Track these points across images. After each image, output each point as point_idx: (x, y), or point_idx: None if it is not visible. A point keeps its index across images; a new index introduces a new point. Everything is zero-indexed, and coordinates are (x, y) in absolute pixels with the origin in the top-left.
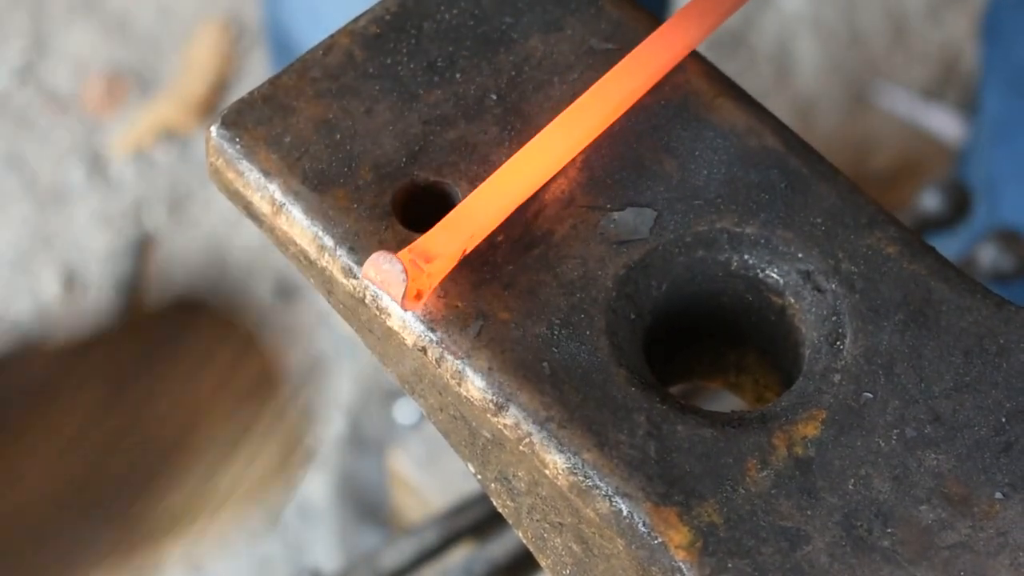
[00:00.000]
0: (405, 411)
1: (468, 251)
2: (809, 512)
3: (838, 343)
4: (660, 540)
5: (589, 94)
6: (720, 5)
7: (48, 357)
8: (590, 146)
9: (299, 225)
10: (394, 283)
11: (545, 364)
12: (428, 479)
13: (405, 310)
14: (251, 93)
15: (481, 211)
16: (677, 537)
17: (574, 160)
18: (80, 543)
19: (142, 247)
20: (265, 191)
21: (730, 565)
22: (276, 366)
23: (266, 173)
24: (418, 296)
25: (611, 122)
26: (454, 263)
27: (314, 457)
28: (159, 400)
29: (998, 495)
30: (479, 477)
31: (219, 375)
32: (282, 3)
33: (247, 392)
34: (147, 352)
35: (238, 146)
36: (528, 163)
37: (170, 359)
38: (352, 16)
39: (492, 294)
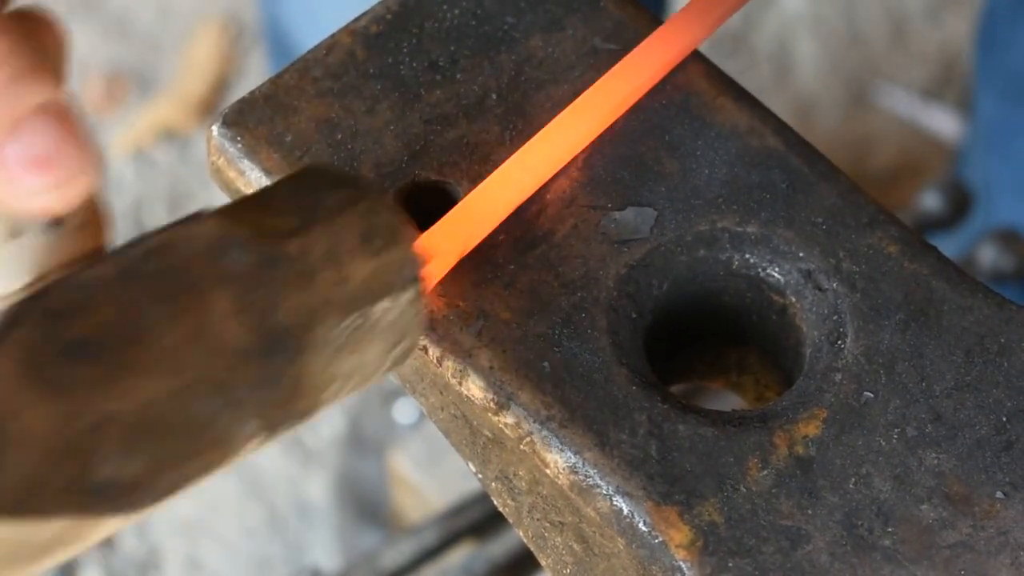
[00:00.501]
0: (405, 411)
1: (467, 251)
2: (810, 511)
3: (839, 342)
4: (661, 539)
5: (590, 93)
6: (721, 5)
7: (208, 224)
8: (591, 145)
9: None
10: None
11: (546, 363)
12: (428, 479)
13: None
14: (252, 92)
15: (480, 211)
16: (678, 536)
17: (575, 160)
18: (254, 403)
19: None
20: None
21: (731, 564)
22: (404, 236)
23: (268, 172)
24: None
25: (612, 121)
26: (452, 263)
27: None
28: (304, 268)
29: (999, 494)
30: (480, 476)
31: (355, 247)
32: (280, 4)
33: (381, 257)
34: (287, 228)
35: (239, 145)
36: (528, 163)
37: (308, 231)
38: (350, 17)
39: (493, 293)
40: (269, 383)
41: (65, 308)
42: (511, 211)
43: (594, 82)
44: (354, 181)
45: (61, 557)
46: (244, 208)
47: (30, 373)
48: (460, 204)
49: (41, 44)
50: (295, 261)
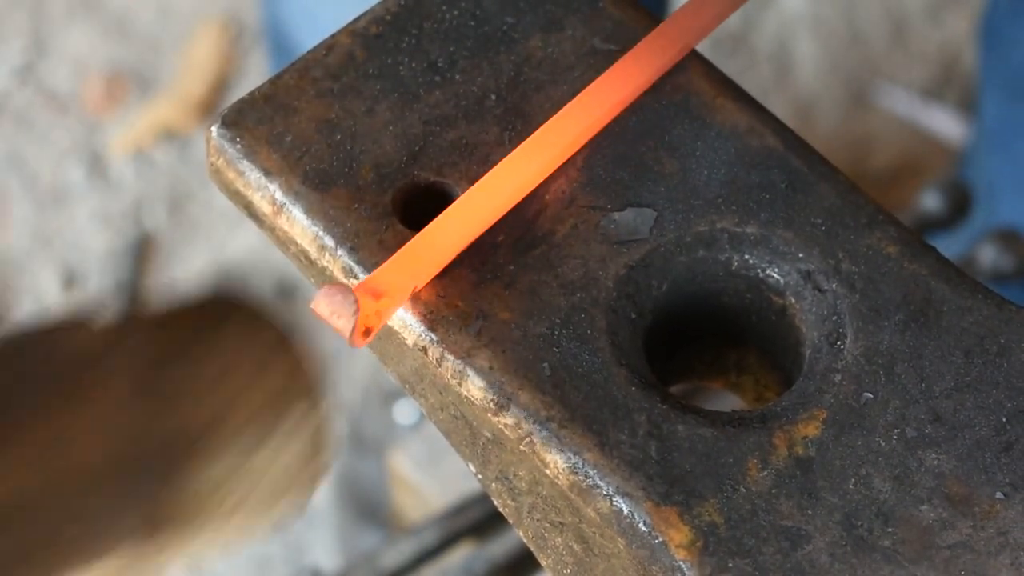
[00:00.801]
0: (405, 411)
1: (419, 288)
2: (810, 512)
3: (839, 343)
4: (661, 539)
5: (556, 119)
6: (718, 5)
7: (94, 332)
8: (590, 145)
9: (300, 225)
10: (344, 317)
11: (546, 364)
12: (428, 479)
13: (353, 346)
14: (252, 93)
15: (434, 248)
16: (678, 536)
17: (574, 160)
18: (112, 518)
19: (142, 247)
20: (266, 191)
21: (731, 564)
22: (305, 367)
23: (267, 173)
24: (367, 333)
25: (579, 145)
26: (404, 300)
27: (332, 464)
28: (193, 387)
29: (999, 495)
30: (480, 477)
31: (251, 371)
32: (280, 5)
33: (276, 390)
34: (185, 340)
35: (239, 146)
36: (482, 198)
37: (206, 350)
38: (349, 18)
39: (493, 294)
40: (144, 493)
41: None
42: (465, 247)
43: (588, 81)
44: (260, 310)
45: None
46: (146, 322)
47: None
48: (411, 241)
49: None
50: (182, 383)
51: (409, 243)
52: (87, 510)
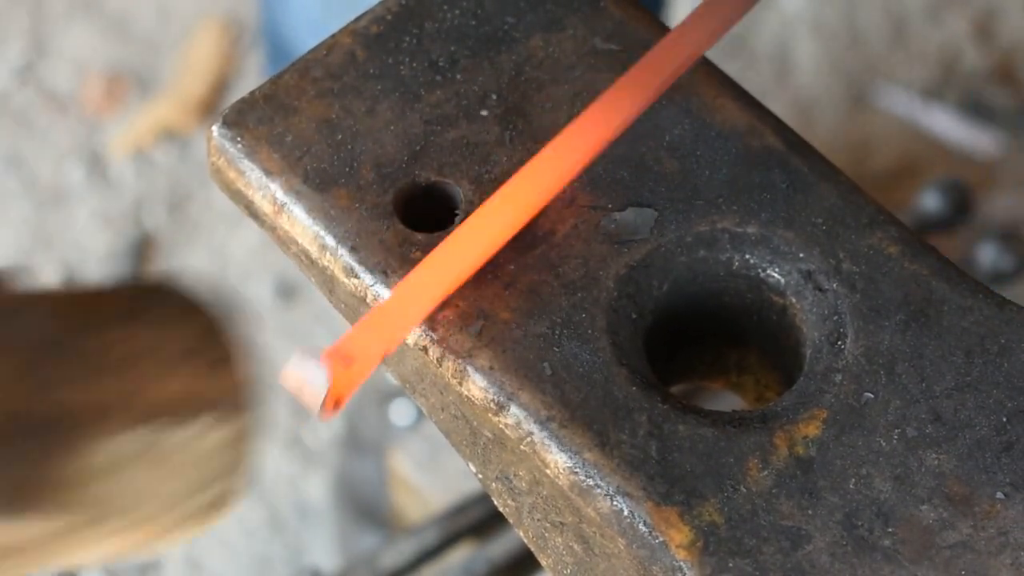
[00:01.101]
0: (401, 412)
1: (390, 351)
2: (810, 512)
3: (839, 343)
4: (661, 539)
5: (518, 179)
6: (728, 10)
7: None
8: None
9: (301, 224)
10: (316, 389)
11: (546, 364)
12: (428, 479)
13: (322, 420)
14: (252, 93)
15: (405, 312)
16: (678, 536)
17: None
18: None
19: (142, 247)
20: (267, 190)
21: (731, 564)
22: (234, 374)
23: (268, 172)
24: (337, 403)
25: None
26: (375, 365)
27: (243, 492)
28: (92, 369)
29: (999, 495)
30: (480, 476)
31: (166, 364)
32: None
33: (194, 390)
34: (95, 321)
35: (239, 145)
36: (454, 255)
37: (118, 335)
38: (349, 20)
39: (493, 294)
40: (10, 463)
41: None
42: (437, 304)
43: (594, 82)
44: (198, 302)
45: None
46: (68, 294)
47: None
48: (381, 306)
49: None
50: (92, 349)
51: (378, 307)
52: None
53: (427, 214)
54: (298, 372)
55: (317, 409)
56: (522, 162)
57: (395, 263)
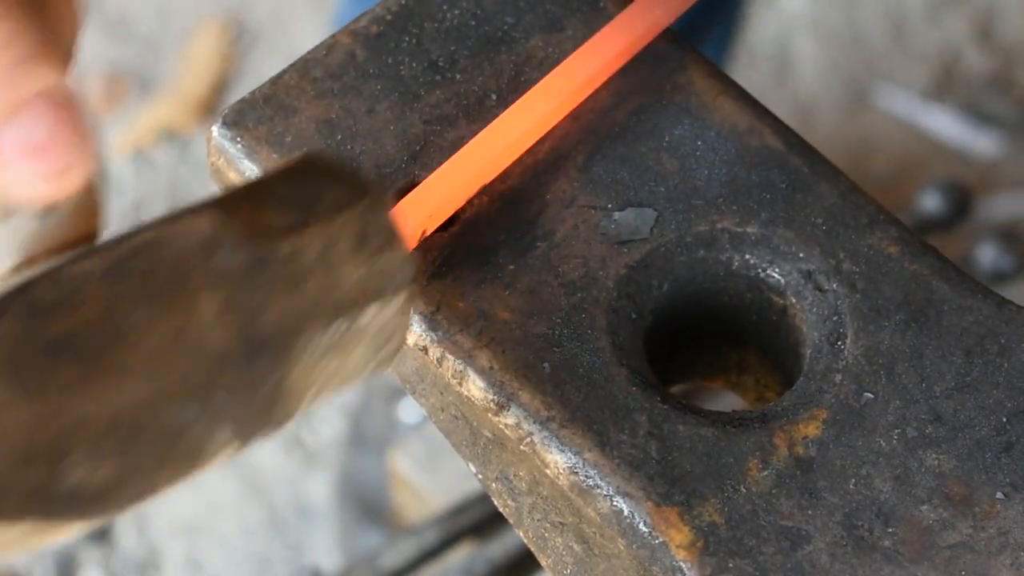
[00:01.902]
0: (409, 410)
1: (428, 232)
2: (810, 512)
3: (839, 343)
4: (661, 540)
5: (552, 75)
6: None
7: (202, 221)
8: (590, 145)
9: None
10: None
11: (546, 364)
12: (428, 479)
13: None
14: (252, 93)
15: (439, 191)
16: (678, 537)
17: (575, 159)
18: (236, 407)
19: None
20: None
21: (731, 565)
22: (396, 235)
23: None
24: None
25: (576, 103)
26: (414, 243)
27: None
28: (291, 277)
29: (999, 495)
30: (480, 477)
31: (349, 247)
32: None
33: (372, 264)
34: (277, 230)
35: (239, 146)
36: (487, 144)
37: (301, 234)
38: None
39: (493, 294)
40: (249, 391)
41: (48, 304)
42: (474, 191)
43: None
44: (353, 178)
45: (23, 552)
46: (239, 201)
47: (7, 370)
48: (419, 187)
49: (52, 21)
50: (287, 263)
51: (418, 187)
52: (213, 401)
53: None
54: None
55: None
56: (522, 161)
57: None
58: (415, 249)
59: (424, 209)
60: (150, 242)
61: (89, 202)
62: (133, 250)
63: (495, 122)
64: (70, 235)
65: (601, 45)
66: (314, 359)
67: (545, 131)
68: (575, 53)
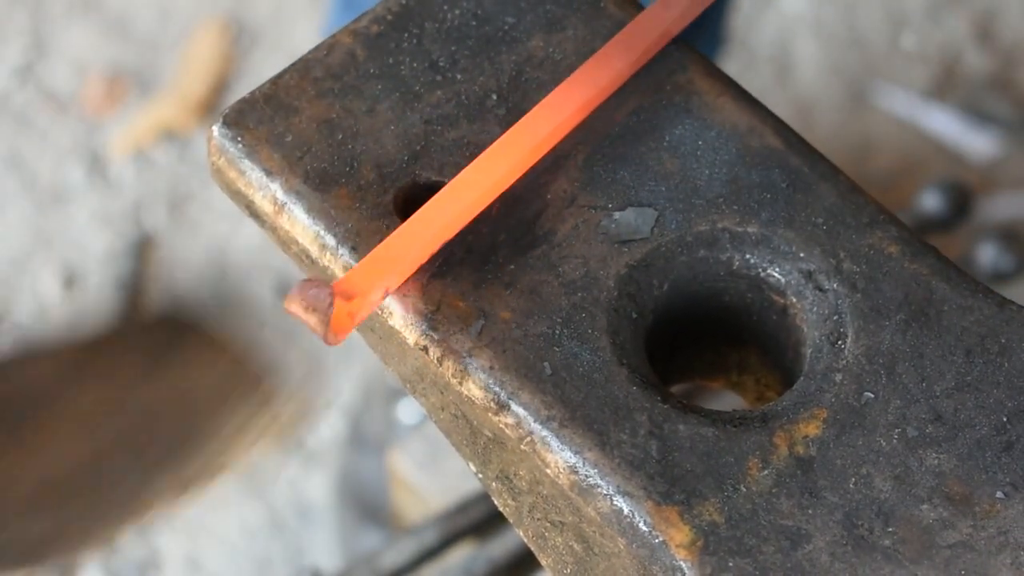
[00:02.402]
0: (408, 410)
1: (391, 290)
2: (810, 511)
3: (839, 342)
4: (661, 539)
5: (545, 106)
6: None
7: (50, 362)
8: (590, 145)
9: (301, 224)
10: (319, 313)
11: (546, 363)
12: (428, 479)
13: (328, 344)
14: (252, 93)
15: (406, 250)
16: (678, 536)
17: (575, 159)
18: (145, 482)
19: (142, 247)
20: (267, 190)
21: (731, 564)
22: (267, 375)
23: (268, 172)
24: (341, 331)
25: (558, 138)
26: (377, 302)
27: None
28: (160, 403)
29: (999, 494)
30: (480, 476)
31: (215, 384)
32: None
33: (242, 398)
34: (146, 362)
35: (240, 145)
36: (452, 200)
37: (167, 369)
38: None
39: (493, 293)
40: (164, 465)
41: None
42: (437, 248)
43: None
44: (218, 336)
45: None
46: (94, 353)
47: None
48: (382, 244)
49: None
50: (146, 406)
51: (380, 245)
52: (125, 479)
53: None
54: (301, 298)
55: (322, 334)
56: None
57: None
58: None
59: (387, 269)
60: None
61: None
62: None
63: (462, 175)
64: None
65: (597, 71)
66: (209, 454)
67: (520, 174)
68: (572, 76)
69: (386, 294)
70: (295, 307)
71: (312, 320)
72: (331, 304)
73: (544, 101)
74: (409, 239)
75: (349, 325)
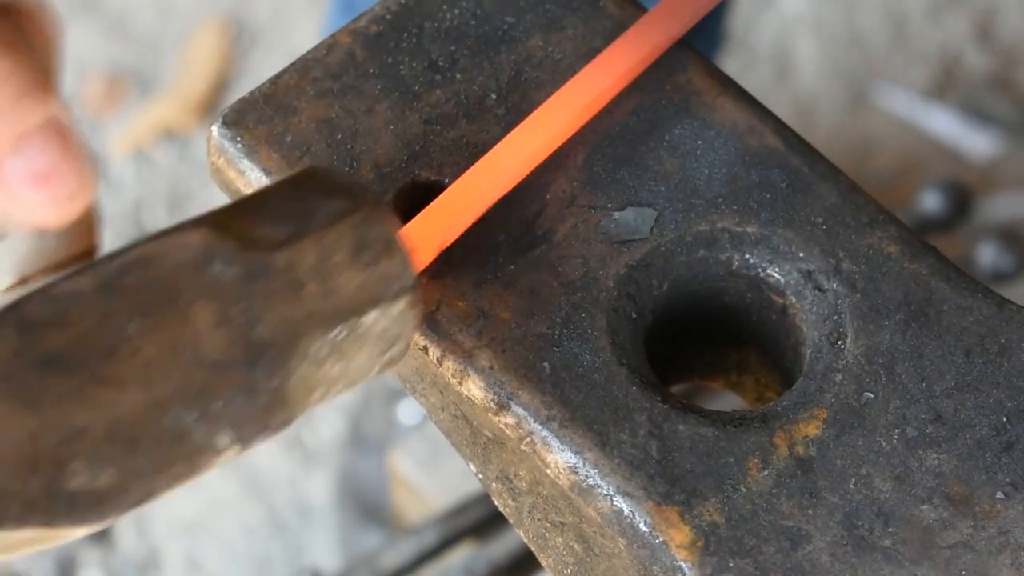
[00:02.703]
0: (408, 411)
1: (448, 243)
2: (810, 511)
3: (839, 343)
4: (661, 539)
5: (569, 85)
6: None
7: (196, 235)
8: (591, 146)
9: None
10: None
11: (546, 363)
12: (428, 479)
13: None
14: (252, 92)
15: (460, 203)
16: (678, 536)
17: (574, 159)
18: (235, 411)
19: None
20: None
21: (731, 564)
22: (395, 242)
23: (267, 172)
24: None
25: (593, 113)
26: (433, 255)
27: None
28: (287, 286)
29: (999, 495)
30: (480, 476)
31: (348, 255)
32: None
33: (371, 270)
34: (273, 239)
35: (239, 145)
36: (508, 154)
37: (297, 243)
38: None
39: (493, 293)
40: (248, 397)
41: (41, 320)
42: (493, 202)
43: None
44: (351, 188)
45: (24, 555)
46: (233, 215)
47: (2, 386)
48: (439, 198)
49: (40, 56)
50: (282, 273)
51: (438, 199)
52: (212, 407)
53: None
54: None
55: None
56: None
57: None
58: (433, 261)
59: (443, 222)
60: (142, 258)
61: (86, 220)
62: (125, 266)
63: (512, 133)
64: (67, 253)
65: (623, 51)
66: (315, 364)
67: (562, 142)
68: (597, 58)
69: (441, 249)
70: None
71: None
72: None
73: (587, 68)
74: (468, 191)
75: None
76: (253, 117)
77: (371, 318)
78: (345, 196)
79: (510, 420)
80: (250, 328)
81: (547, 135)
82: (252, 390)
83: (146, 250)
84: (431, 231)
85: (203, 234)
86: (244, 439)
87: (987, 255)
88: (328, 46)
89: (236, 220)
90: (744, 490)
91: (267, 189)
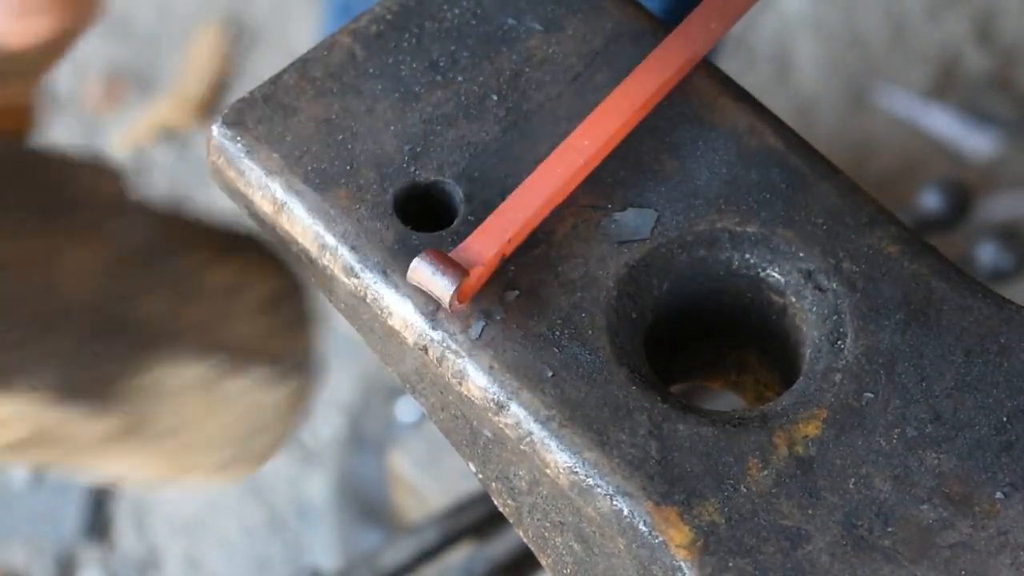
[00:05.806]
0: (407, 409)
1: (507, 254)
2: (810, 511)
3: (839, 342)
4: (661, 539)
5: (614, 97)
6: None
7: (113, 184)
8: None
9: (300, 224)
10: (445, 286)
11: (546, 364)
12: (428, 479)
13: (452, 312)
14: (252, 92)
15: (518, 215)
16: (678, 536)
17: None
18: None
19: None
20: (266, 190)
21: (731, 564)
22: (306, 326)
23: (267, 172)
24: (461, 300)
25: (634, 124)
26: (493, 267)
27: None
28: (181, 290)
29: (999, 494)
30: (480, 476)
31: (248, 303)
32: None
33: (270, 332)
34: (191, 248)
35: (239, 145)
36: (559, 166)
37: (209, 265)
38: None
39: (493, 293)
40: (90, 358)
41: None
42: (541, 218)
43: (594, 81)
44: (287, 267)
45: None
46: (168, 210)
47: None
48: (497, 211)
49: None
50: (190, 272)
51: (496, 211)
52: (44, 341)
53: (427, 213)
54: (425, 274)
55: (447, 304)
56: (522, 160)
57: (395, 262)
58: (495, 271)
59: (504, 233)
60: (53, 160)
61: (26, 98)
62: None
63: (566, 142)
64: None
65: (668, 57)
66: (173, 385)
67: (611, 148)
68: (639, 68)
69: (502, 257)
70: (418, 279)
71: (439, 294)
72: (461, 281)
73: (641, 66)
74: (523, 203)
75: (471, 290)
76: (253, 117)
77: (250, 377)
78: (282, 266)
79: (510, 420)
80: (125, 297)
81: (595, 147)
82: (96, 355)
83: (65, 158)
84: (492, 243)
85: (130, 196)
86: (62, 395)
87: (987, 255)
88: (328, 46)
89: (188, 226)
90: (744, 490)
91: (219, 225)
